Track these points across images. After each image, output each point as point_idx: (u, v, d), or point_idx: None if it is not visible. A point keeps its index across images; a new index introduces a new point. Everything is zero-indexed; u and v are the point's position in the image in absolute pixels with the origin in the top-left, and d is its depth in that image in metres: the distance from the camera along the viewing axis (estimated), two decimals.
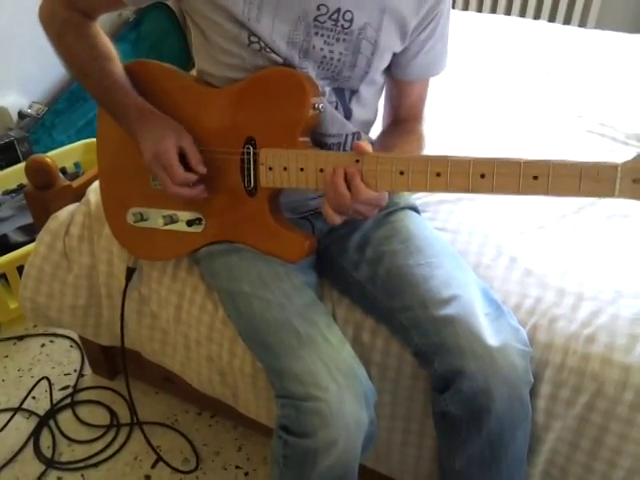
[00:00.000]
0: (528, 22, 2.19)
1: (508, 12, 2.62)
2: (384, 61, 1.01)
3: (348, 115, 1.03)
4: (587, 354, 0.96)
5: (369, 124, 1.11)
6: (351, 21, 0.94)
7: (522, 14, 2.59)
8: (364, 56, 0.98)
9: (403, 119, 1.11)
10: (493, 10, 2.64)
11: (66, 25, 1.01)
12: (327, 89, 1.00)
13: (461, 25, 2.06)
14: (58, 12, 1.02)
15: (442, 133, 1.46)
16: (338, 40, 0.95)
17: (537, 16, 2.57)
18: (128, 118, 1.02)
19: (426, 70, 1.07)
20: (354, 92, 1.03)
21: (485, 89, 1.72)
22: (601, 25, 2.41)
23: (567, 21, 2.55)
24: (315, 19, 0.93)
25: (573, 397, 0.97)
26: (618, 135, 1.50)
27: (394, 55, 1.02)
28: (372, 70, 1.00)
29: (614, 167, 0.75)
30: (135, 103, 1.02)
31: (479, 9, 2.65)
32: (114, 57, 1.04)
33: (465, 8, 2.67)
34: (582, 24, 2.53)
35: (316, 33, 0.94)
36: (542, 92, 1.70)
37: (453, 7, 2.67)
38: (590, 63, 1.85)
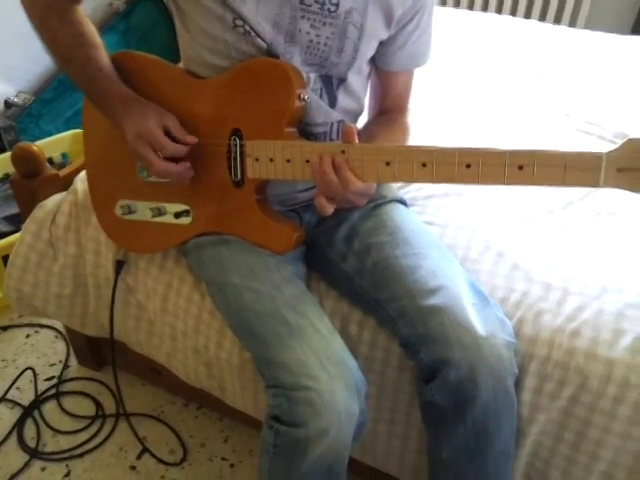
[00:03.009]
0: (519, 21, 2.20)
1: (499, 11, 2.63)
2: (371, 48, 1.01)
3: (333, 103, 1.03)
4: (572, 348, 0.97)
5: (356, 115, 1.11)
6: (337, 5, 0.94)
7: (513, 13, 2.60)
8: (351, 41, 0.98)
9: (388, 109, 1.11)
10: (484, 8, 2.65)
11: (49, 10, 0.98)
12: (312, 76, 0.99)
13: (452, 22, 2.07)
14: None
15: (431, 129, 1.46)
16: (324, 24, 0.95)
17: (528, 15, 2.59)
18: (111, 106, 1.01)
19: (411, 61, 1.08)
20: (342, 81, 1.03)
21: (475, 87, 1.72)
22: (590, 26, 2.43)
23: (557, 21, 2.57)
24: (301, 2, 0.93)
25: (558, 390, 0.98)
26: (605, 134, 1.51)
27: (380, 45, 1.02)
28: (359, 56, 1.00)
29: (599, 156, 0.76)
30: (119, 90, 1.01)
31: (470, 7, 2.66)
32: (100, 45, 1.02)
33: (457, 5, 2.68)
34: (572, 24, 2.55)
35: (302, 17, 0.94)
36: (531, 90, 1.71)
37: (444, 4, 2.68)
38: (579, 63, 1.86)
